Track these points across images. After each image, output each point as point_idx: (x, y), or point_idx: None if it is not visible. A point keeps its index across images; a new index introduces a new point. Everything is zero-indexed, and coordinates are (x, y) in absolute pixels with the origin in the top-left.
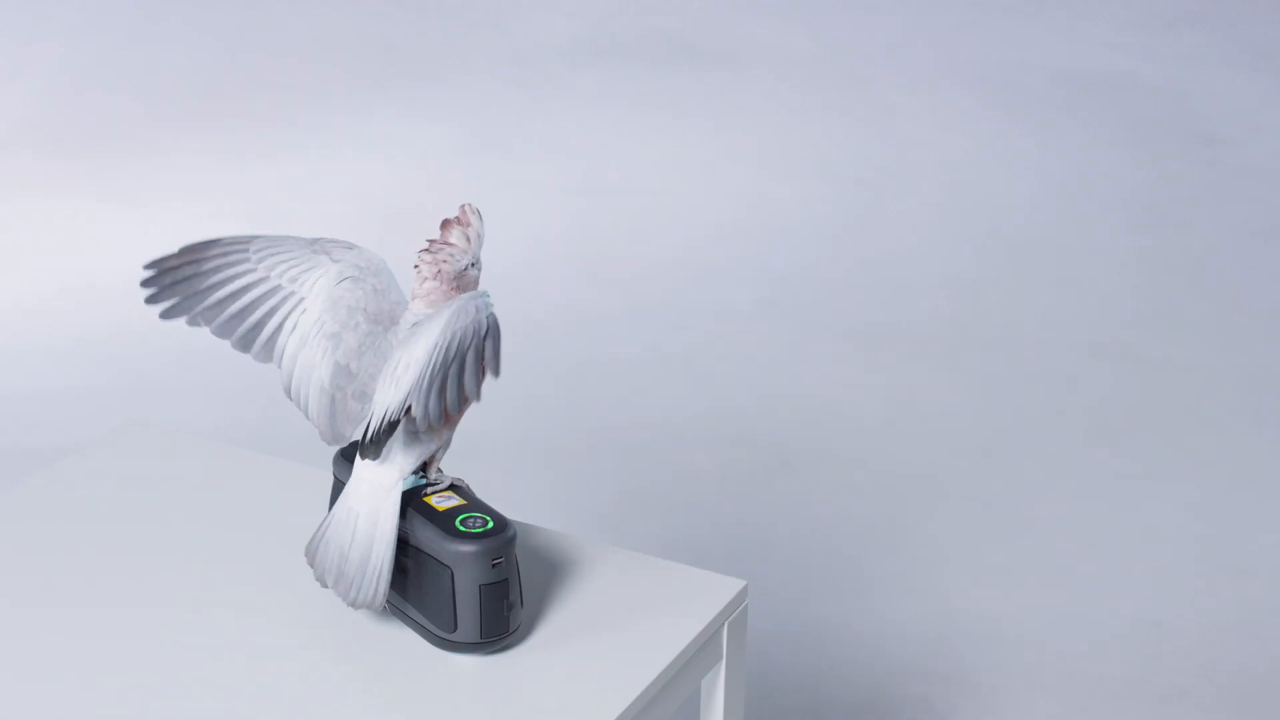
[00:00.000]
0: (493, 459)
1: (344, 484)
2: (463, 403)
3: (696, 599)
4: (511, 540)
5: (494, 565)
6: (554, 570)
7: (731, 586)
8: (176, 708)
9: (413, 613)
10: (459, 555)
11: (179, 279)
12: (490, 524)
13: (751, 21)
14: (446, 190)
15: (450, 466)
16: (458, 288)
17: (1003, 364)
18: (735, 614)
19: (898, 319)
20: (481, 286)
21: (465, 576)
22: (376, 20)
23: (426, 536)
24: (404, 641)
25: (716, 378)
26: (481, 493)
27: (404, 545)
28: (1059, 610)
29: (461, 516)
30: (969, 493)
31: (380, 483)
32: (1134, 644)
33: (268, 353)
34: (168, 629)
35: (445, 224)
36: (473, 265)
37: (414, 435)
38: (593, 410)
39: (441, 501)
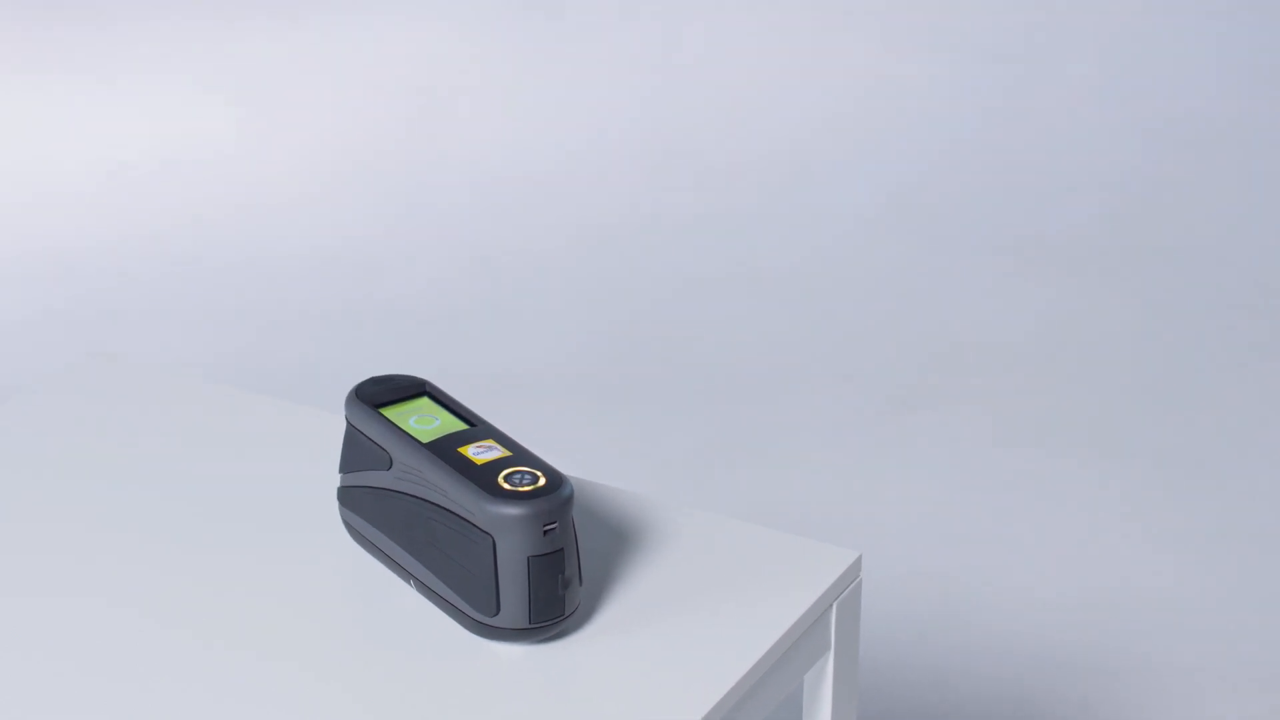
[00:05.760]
0: (543, 400)
1: (357, 429)
2: None
3: (798, 574)
4: (568, 500)
5: (546, 532)
6: (620, 538)
7: (841, 559)
8: (175, 707)
9: (446, 592)
10: (503, 519)
11: None
12: (541, 480)
13: None
14: (488, 65)
15: (489, 409)
16: None
17: (1180, 282)
18: (846, 593)
19: (1050, 228)
20: (526, 186)
21: (510, 546)
22: None
23: (462, 496)
24: (436, 628)
25: (822, 302)
26: (529, 441)
27: (435, 508)
28: (1251, 589)
29: (506, 471)
30: (1139, 441)
31: None
32: None
33: None
34: (150, 608)
35: None
36: None
37: None
38: (668, 342)
39: (481, 453)
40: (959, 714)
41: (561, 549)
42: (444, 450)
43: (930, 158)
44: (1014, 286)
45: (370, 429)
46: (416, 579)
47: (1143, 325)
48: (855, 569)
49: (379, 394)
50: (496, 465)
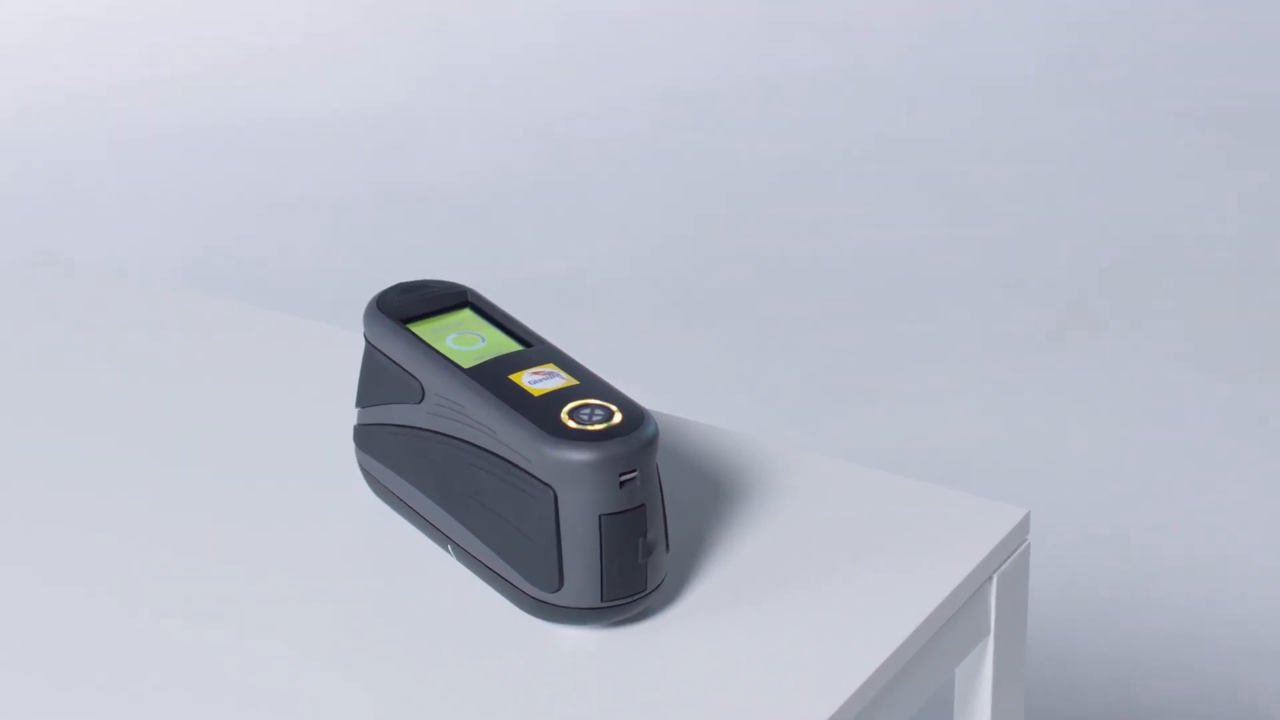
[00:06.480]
0: (617, 314)
1: (379, 350)
2: None
3: (946, 537)
4: (651, 442)
5: (623, 483)
6: (717, 491)
7: (1003, 518)
8: (160, 710)
9: (494, 561)
10: (568, 467)
11: None
12: (616, 417)
13: None
14: None
15: (548, 325)
16: None
17: None
18: (1010, 561)
19: (1262, 92)
20: (596, 38)
21: (577, 502)
22: None
23: (515, 437)
24: (481, 608)
25: (975, 186)
26: (600, 366)
27: (479, 452)
28: None
29: (571, 405)
30: None
31: None
32: None
33: None
34: (123, 588)
35: None
36: None
37: None
38: (778, 239)
39: (538, 381)
40: (1149, 715)
41: (642, 505)
42: (491, 378)
43: (1109, 3)
44: (1216, 168)
45: (396, 351)
46: (455, 544)
47: None
48: (1021, 530)
49: (408, 305)
50: (559, 397)
